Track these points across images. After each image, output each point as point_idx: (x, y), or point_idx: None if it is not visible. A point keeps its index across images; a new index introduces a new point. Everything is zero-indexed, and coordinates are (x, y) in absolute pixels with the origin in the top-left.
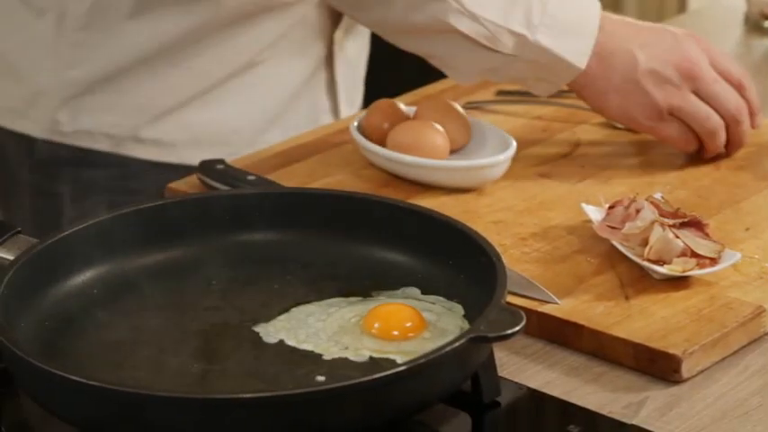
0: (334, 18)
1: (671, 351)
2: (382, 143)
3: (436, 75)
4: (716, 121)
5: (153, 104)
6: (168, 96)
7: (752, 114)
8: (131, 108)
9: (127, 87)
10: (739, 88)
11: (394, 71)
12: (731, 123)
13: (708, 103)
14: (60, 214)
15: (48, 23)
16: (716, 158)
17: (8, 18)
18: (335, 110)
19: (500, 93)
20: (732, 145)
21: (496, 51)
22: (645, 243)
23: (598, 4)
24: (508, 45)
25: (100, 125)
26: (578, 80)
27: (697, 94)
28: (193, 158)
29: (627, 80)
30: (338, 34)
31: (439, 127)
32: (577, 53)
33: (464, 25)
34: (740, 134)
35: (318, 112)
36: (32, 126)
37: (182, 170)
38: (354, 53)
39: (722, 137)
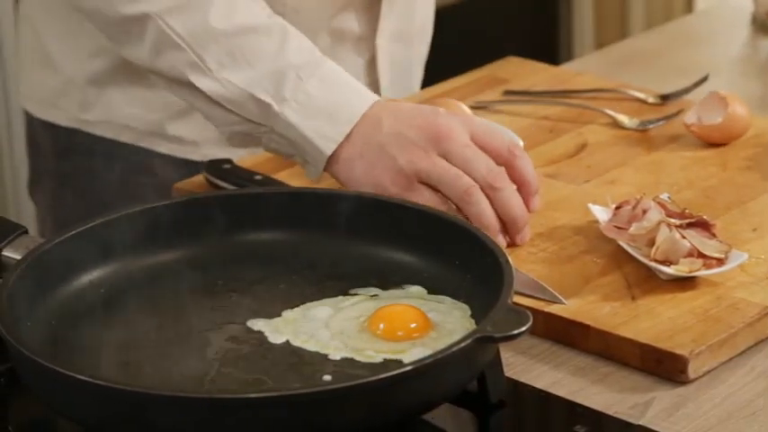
0: (372, 24)
1: (677, 351)
2: None
3: (442, 75)
4: (466, 182)
5: (178, 100)
6: None
7: (524, 190)
8: (156, 102)
9: (152, 81)
10: (507, 159)
11: None
12: (486, 189)
13: (458, 167)
14: (80, 205)
15: (78, 13)
16: (723, 158)
17: (48, 8)
18: None
19: (507, 93)
20: (508, 220)
21: (245, 117)
22: (651, 243)
23: (372, 99)
24: (253, 112)
25: (124, 117)
26: (329, 161)
27: (447, 158)
28: (216, 157)
29: (370, 145)
30: (381, 40)
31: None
32: (325, 137)
33: (203, 83)
34: (505, 204)
35: None
36: (60, 114)
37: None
38: (401, 57)
39: (481, 204)
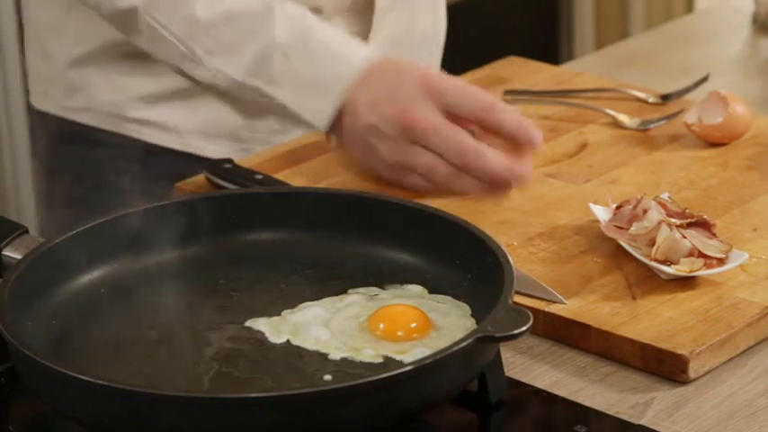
0: (366, 30)
1: (678, 351)
2: None
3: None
4: (441, 172)
5: (158, 87)
6: (173, 79)
7: (511, 142)
8: (137, 88)
9: (134, 64)
10: (484, 119)
11: None
12: (465, 170)
13: (433, 152)
14: (66, 194)
15: (63, 1)
16: (723, 158)
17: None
18: None
19: (507, 92)
20: (493, 182)
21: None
22: (652, 243)
23: (358, 64)
24: (247, 95)
25: (105, 104)
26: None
27: (421, 145)
28: (201, 149)
29: (354, 136)
30: (374, 47)
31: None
32: (316, 112)
33: (196, 73)
34: (484, 172)
35: None
36: (50, 103)
37: (188, 159)
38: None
39: (459, 184)
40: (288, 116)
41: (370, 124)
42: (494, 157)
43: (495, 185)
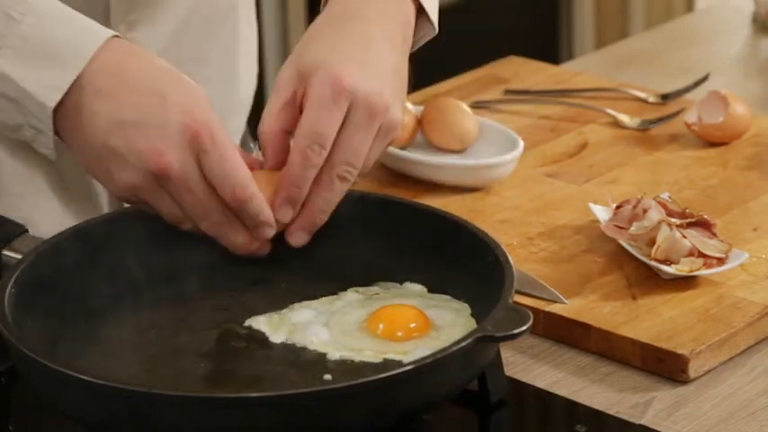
0: None
1: (678, 351)
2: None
3: (442, 74)
4: (184, 225)
5: None
6: None
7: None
8: None
9: None
10: (233, 204)
11: None
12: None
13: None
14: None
15: None
16: (723, 158)
17: None
18: None
19: (507, 92)
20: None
21: None
22: (652, 243)
23: (104, 36)
24: None
25: None
26: (57, 121)
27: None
28: None
29: (89, 147)
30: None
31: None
32: (48, 87)
33: None
34: (229, 244)
35: None
36: None
37: None
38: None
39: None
40: (8, 104)
41: (111, 146)
42: (234, 237)
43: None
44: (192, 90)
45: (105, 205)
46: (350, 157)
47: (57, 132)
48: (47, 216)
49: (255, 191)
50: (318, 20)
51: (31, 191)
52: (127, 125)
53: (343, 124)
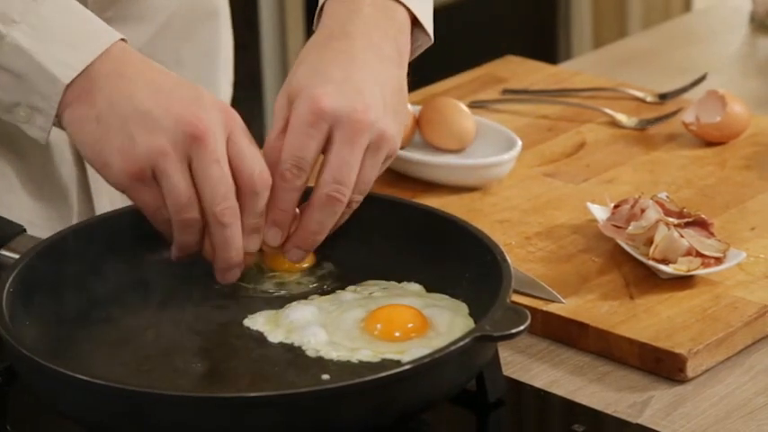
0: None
1: (676, 350)
2: None
3: (440, 74)
4: (188, 215)
5: None
6: None
7: (246, 225)
8: None
9: None
10: (248, 189)
11: None
12: (212, 222)
13: (195, 182)
14: None
15: None
16: (721, 157)
17: None
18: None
19: (505, 92)
20: (215, 252)
21: None
22: (650, 242)
23: (118, 35)
24: None
25: None
26: (64, 100)
27: (191, 164)
28: None
29: (112, 112)
30: None
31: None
32: (63, 64)
33: None
34: (220, 242)
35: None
36: None
37: None
38: None
39: (187, 238)
40: (12, 79)
41: (145, 109)
42: (237, 235)
43: (219, 258)
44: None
45: (75, 203)
46: (337, 175)
47: (57, 114)
48: (15, 213)
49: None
50: (307, 44)
51: (2, 188)
52: (163, 91)
53: (329, 145)
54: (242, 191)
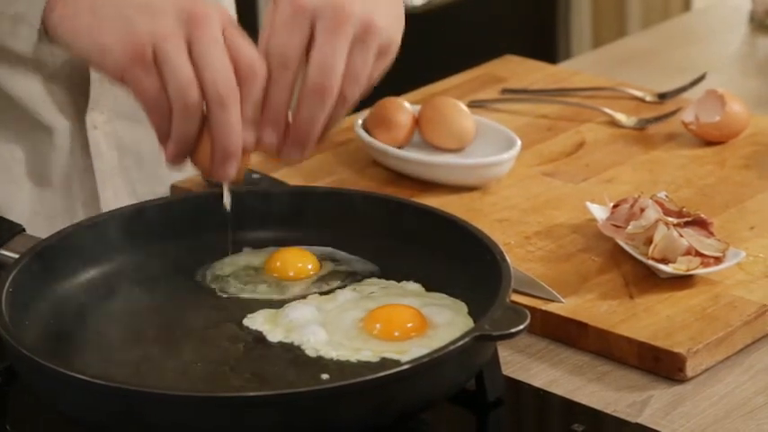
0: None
1: (675, 350)
2: (387, 141)
3: (439, 74)
4: (191, 98)
5: None
6: None
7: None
8: None
9: None
10: (246, 75)
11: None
12: (213, 105)
13: (197, 63)
14: None
15: None
16: (720, 157)
17: None
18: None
19: (505, 91)
20: (214, 141)
21: None
22: (649, 242)
23: None
24: None
25: None
26: (49, 3)
27: (191, 47)
28: None
29: (107, 1)
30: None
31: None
32: None
33: None
34: (220, 127)
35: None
36: None
37: None
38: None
39: (189, 126)
40: None
41: None
42: (237, 122)
43: (218, 149)
44: None
45: (79, 191)
46: (321, 65)
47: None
48: (18, 202)
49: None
50: None
51: (5, 178)
52: None
53: (313, 40)
54: (240, 77)
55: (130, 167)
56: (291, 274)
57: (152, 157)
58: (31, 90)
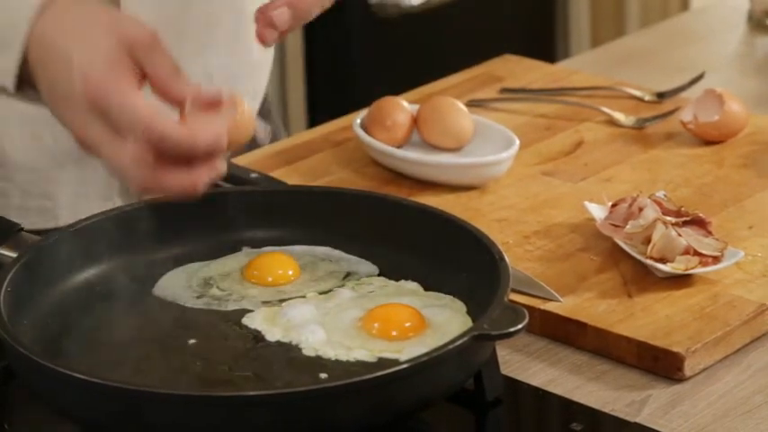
0: None
1: (674, 349)
2: (385, 140)
3: (438, 73)
4: (118, 163)
5: None
6: None
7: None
8: None
9: None
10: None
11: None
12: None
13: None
14: None
15: None
16: (719, 156)
17: None
18: None
19: (503, 91)
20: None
21: None
22: (648, 241)
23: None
24: None
25: None
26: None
27: (107, 117)
28: None
29: (60, 93)
30: None
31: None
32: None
33: None
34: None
35: None
36: None
37: None
38: None
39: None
40: None
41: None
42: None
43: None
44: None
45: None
46: None
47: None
48: (65, 189)
49: (165, 129)
50: None
51: (50, 165)
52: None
53: None
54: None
55: None
56: (270, 279)
57: None
58: None
